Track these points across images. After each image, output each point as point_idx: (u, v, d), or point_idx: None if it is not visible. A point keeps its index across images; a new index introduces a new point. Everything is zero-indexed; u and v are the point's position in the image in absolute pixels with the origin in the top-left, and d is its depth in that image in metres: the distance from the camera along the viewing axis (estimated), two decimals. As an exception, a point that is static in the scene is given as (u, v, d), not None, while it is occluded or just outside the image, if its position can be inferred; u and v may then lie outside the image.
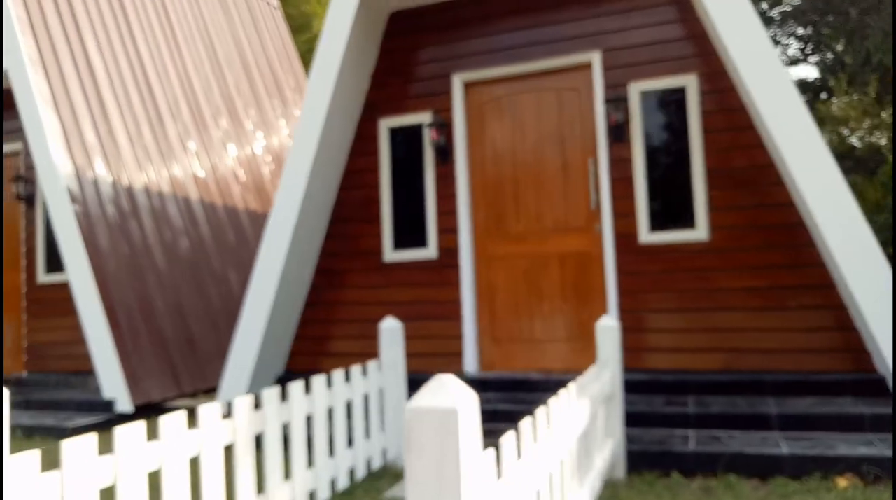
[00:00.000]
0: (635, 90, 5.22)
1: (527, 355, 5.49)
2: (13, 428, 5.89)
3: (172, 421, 2.58)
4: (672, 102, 5.14)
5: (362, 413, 4.04)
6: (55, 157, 6.55)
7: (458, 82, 5.73)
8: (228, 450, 4.75)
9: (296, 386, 3.44)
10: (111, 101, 7.63)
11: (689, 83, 5.08)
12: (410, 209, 5.83)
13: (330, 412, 4.83)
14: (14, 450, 5.28)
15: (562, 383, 5.06)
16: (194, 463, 4.42)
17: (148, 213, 7.45)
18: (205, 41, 9.79)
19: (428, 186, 5.76)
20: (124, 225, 7.08)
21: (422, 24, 5.90)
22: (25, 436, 5.80)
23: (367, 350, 5.83)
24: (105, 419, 6.06)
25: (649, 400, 4.72)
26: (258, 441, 4.70)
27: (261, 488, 3.88)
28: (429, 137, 5.70)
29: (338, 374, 3.87)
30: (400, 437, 4.33)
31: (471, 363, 5.55)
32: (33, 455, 1.98)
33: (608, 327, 3.93)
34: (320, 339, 5.99)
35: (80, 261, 6.40)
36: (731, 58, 4.56)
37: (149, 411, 6.52)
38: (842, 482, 3.57)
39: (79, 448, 2.17)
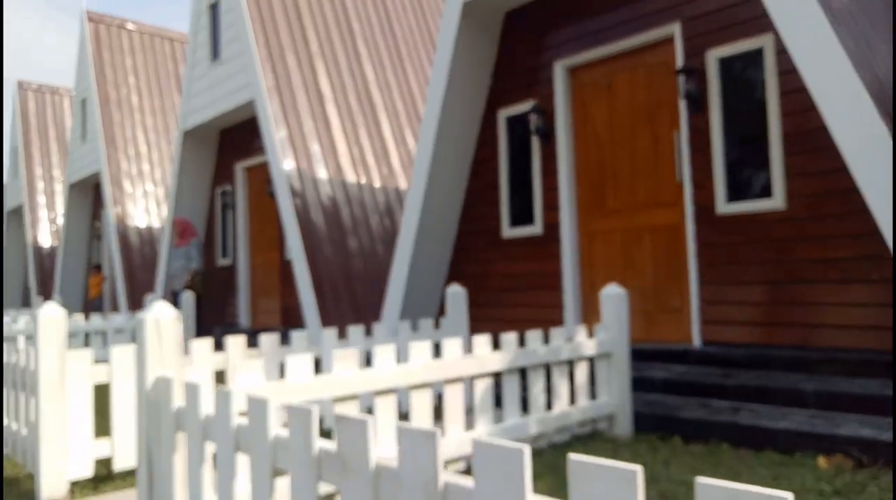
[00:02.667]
0: (713, 58, 5.09)
1: (619, 325, 5.71)
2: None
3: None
4: (749, 66, 4.91)
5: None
6: (283, 163, 8.53)
7: (559, 69, 6.12)
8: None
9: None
10: (334, 113, 9.49)
11: (766, 44, 4.81)
12: (521, 190, 6.41)
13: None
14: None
15: (640, 352, 5.24)
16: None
17: (358, 202, 9.14)
18: (428, 50, 11.27)
19: (535, 168, 6.29)
20: (337, 213, 8.85)
21: (530, 19, 6.41)
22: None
23: (503, 315, 6.55)
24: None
25: (706, 372, 4.70)
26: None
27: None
28: (533, 123, 6.21)
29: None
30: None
31: (571, 330, 5.97)
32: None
33: (610, 295, 4.19)
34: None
35: (296, 244, 8.28)
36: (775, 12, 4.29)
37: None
38: (822, 462, 3.39)
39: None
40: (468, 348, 5.09)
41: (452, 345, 3.25)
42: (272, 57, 9.16)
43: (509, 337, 3.56)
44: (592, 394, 4.51)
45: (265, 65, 9.01)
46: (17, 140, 18.28)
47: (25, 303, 18.51)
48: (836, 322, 4.45)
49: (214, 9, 9.93)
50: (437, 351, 5.08)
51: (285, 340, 8.70)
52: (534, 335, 3.73)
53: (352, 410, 2.84)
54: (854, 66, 3.97)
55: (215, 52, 9.85)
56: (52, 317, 3.30)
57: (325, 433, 4.40)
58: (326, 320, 8.04)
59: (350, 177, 9.24)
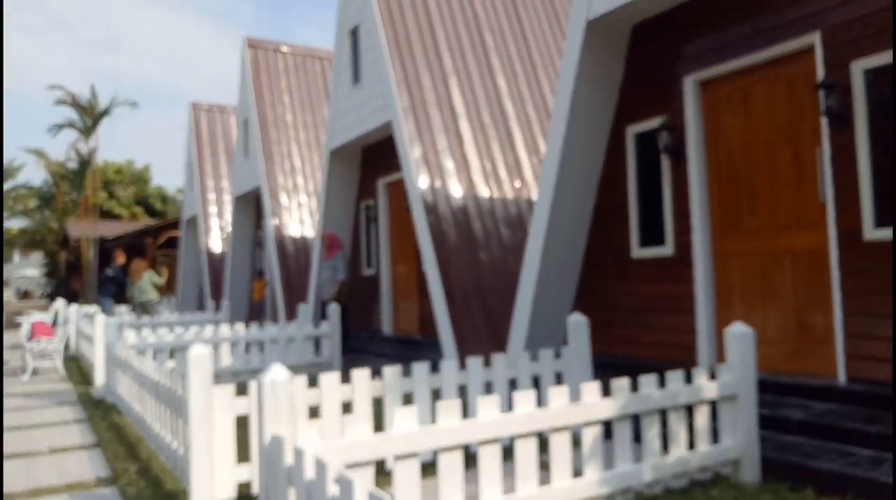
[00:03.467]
0: (858, 69, 4.66)
1: (758, 353, 5.40)
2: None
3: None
4: (903, 77, 4.45)
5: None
6: (417, 180, 8.87)
7: (689, 83, 5.87)
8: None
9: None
10: (466, 128, 9.70)
11: (922, 52, 4.33)
12: (651, 209, 6.23)
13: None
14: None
15: (778, 386, 4.94)
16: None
17: (489, 214, 9.29)
18: (561, 54, 11.17)
19: (665, 186, 6.08)
20: (468, 226, 9.06)
21: (658, 33, 6.19)
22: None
23: (634, 337, 6.40)
24: (442, 376, 8.09)
25: (852, 413, 4.35)
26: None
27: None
28: (663, 140, 6.01)
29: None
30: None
31: (704, 356, 5.73)
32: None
33: (735, 334, 4.01)
34: (592, 325, 6.84)
35: (430, 256, 8.59)
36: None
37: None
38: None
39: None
40: (579, 389, 5.06)
41: (559, 393, 3.29)
42: (407, 78, 9.52)
43: (621, 383, 3.53)
44: (715, 437, 4.33)
45: (401, 86, 9.39)
46: (191, 156, 20.35)
47: (201, 307, 20.55)
48: None
49: (355, 34, 10.48)
50: (558, 379, 5.09)
51: (420, 351, 9.05)
52: (647, 380, 3.66)
53: (456, 459, 2.98)
54: None
55: (356, 76, 10.40)
56: (201, 354, 3.74)
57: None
58: (458, 331, 8.27)
59: (482, 190, 9.40)
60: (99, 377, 8.80)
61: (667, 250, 6.06)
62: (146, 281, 13.24)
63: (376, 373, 8.19)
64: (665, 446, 4.18)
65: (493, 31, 10.78)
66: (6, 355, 12.68)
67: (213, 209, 19.35)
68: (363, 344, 10.73)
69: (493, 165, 9.69)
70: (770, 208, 5.36)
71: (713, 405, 4.30)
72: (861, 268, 4.66)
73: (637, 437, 4.48)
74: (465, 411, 5.20)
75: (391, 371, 4.32)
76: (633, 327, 6.40)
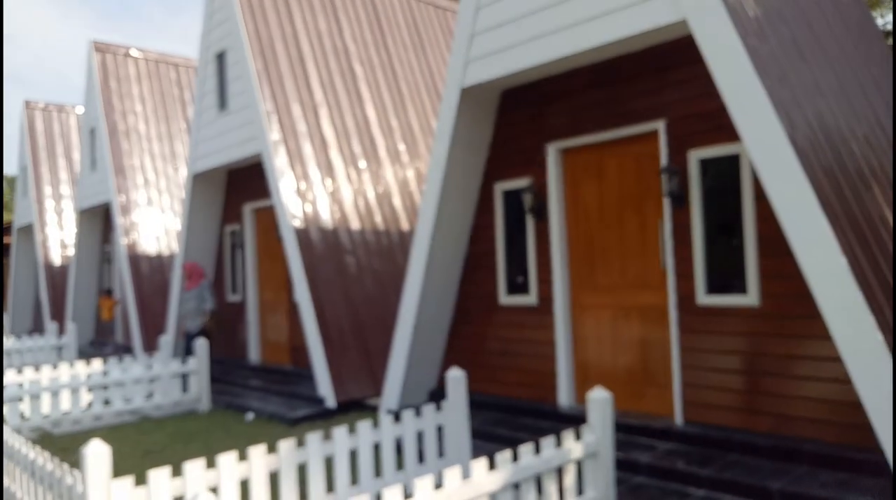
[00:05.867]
0: (694, 158, 5.46)
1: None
2: (261, 413, 8.40)
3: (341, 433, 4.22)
4: (727, 170, 5.28)
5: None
6: (288, 211, 8.92)
7: (552, 150, 6.49)
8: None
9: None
10: (338, 159, 9.85)
11: (742, 150, 5.18)
12: (517, 261, 6.81)
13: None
14: (258, 431, 7.68)
15: (627, 426, 5.66)
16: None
17: (363, 246, 9.53)
18: (428, 86, 11.60)
19: (529, 241, 6.68)
20: (341, 259, 9.25)
21: (523, 99, 6.76)
22: (266, 419, 8.25)
23: (501, 378, 6.95)
24: (317, 411, 8.25)
25: (689, 453, 5.13)
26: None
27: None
28: (528, 201, 6.59)
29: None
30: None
31: (564, 395, 6.39)
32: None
33: (596, 399, 4.61)
34: (461, 362, 7.33)
35: (303, 289, 8.69)
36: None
37: (350, 406, 8.56)
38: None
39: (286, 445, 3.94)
40: (469, 467, 5.50)
41: (452, 476, 3.67)
42: (278, 109, 9.51)
43: (504, 456, 3.98)
44: (579, 489, 4.93)
45: (271, 118, 9.37)
46: (25, 159, 18.64)
47: (37, 323, 18.95)
48: (803, 415, 4.86)
49: (221, 59, 10.25)
50: (439, 431, 5.49)
51: (291, 383, 9.13)
52: (526, 449, 4.15)
53: (365, 549, 3.26)
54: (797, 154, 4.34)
55: (223, 102, 10.19)
56: (97, 452, 3.73)
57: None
58: (334, 366, 8.47)
59: (354, 222, 9.62)
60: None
61: (531, 299, 6.67)
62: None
63: (244, 409, 8.10)
64: None
65: (362, 63, 10.98)
66: None
67: (52, 218, 17.89)
68: (229, 374, 10.58)
69: (364, 197, 9.93)
70: (621, 269, 6.09)
71: (578, 463, 4.89)
72: (695, 328, 5.48)
73: None
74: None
75: (286, 446, 4.49)
76: (501, 369, 6.96)
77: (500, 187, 6.96)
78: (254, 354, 10.78)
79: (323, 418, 8.10)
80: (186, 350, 10.04)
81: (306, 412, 8.17)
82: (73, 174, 18.74)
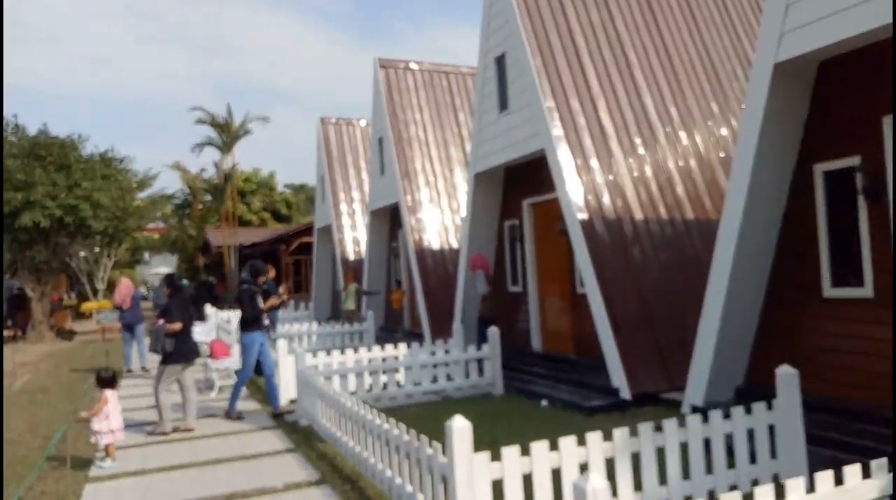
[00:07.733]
0: None
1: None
2: (554, 400, 8.65)
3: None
4: None
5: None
6: (574, 205, 9.06)
7: (888, 124, 5.75)
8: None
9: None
10: (617, 150, 9.77)
11: None
12: (843, 249, 6.15)
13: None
14: (557, 417, 7.94)
15: None
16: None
17: (646, 237, 9.35)
18: (706, 69, 11.01)
19: (862, 226, 5.99)
20: (627, 250, 9.17)
21: (849, 70, 6.07)
22: (561, 407, 8.47)
23: (805, 373, 6.38)
24: (612, 402, 8.27)
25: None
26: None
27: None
28: (860, 181, 5.92)
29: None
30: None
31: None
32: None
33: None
34: (774, 358, 6.83)
35: (591, 280, 8.76)
36: None
37: (644, 400, 8.41)
38: None
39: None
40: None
41: (824, 480, 3.44)
42: (558, 105, 9.70)
43: (880, 462, 3.64)
44: None
45: (552, 114, 9.58)
46: (322, 169, 21.37)
47: (335, 311, 21.55)
48: None
49: (500, 62, 10.74)
50: (771, 431, 5.16)
51: (579, 371, 9.26)
52: (901, 457, 3.74)
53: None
54: None
55: (504, 103, 10.67)
56: (462, 427, 4.15)
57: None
58: (626, 358, 8.42)
59: (637, 213, 9.47)
60: (285, 398, 9.48)
61: (865, 291, 5.98)
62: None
63: (537, 396, 8.37)
64: None
65: (635, 49, 10.75)
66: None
67: (346, 221, 20.29)
68: (514, 360, 11.07)
69: (645, 187, 9.73)
70: None
71: None
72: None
73: None
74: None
75: (620, 434, 4.58)
76: (826, 367, 6.35)
77: (820, 168, 6.35)
78: (536, 342, 11.15)
79: (618, 409, 8.09)
80: (480, 336, 10.71)
81: (600, 403, 8.25)
82: (360, 180, 21.03)
